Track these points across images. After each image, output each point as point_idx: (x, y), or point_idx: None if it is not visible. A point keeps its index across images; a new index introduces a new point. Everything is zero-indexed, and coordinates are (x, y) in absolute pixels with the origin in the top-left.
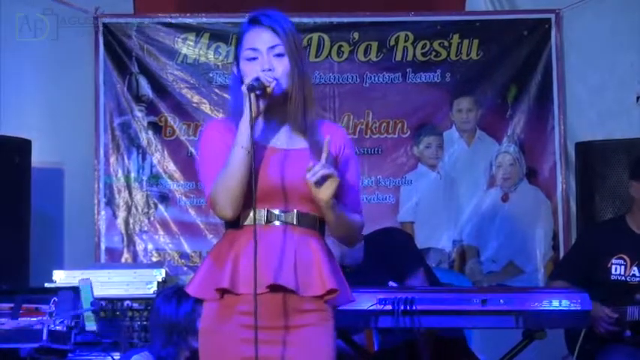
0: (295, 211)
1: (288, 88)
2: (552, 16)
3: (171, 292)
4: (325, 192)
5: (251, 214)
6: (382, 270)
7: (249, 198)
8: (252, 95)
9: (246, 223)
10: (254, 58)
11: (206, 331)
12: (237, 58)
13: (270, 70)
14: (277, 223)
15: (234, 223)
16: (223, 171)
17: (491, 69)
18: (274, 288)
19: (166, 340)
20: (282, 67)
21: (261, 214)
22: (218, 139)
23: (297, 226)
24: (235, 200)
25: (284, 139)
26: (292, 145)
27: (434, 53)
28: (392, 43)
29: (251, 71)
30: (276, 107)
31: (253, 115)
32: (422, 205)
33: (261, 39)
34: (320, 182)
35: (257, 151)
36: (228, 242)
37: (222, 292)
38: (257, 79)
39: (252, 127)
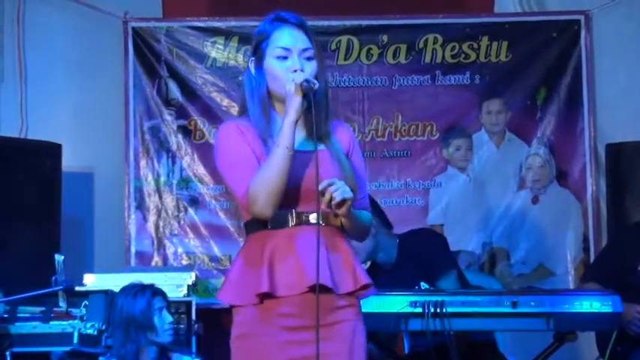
0: (321, 210)
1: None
2: (582, 18)
3: (129, 288)
4: (343, 210)
5: (279, 215)
6: (415, 270)
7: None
8: (300, 96)
9: (275, 225)
10: (284, 57)
11: (243, 336)
12: (258, 56)
13: (301, 71)
14: (307, 223)
15: (259, 227)
16: (265, 171)
17: (521, 71)
18: (313, 288)
19: (125, 338)
20: (312, 70)
21: (289, 216)
22: (243, 141)
23: (323, 225)
24: (278, 200)
25: (303, 140)
26: (312, 146)
27: (463, 55)
28: (421, 45)
29: (280, 70)
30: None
31: (298, 115)
32: (451, 208)
33: (294, 39)
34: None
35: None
36: (259, 248)
37: (261, 296)
38: (307, 81)
39: (293, 128)
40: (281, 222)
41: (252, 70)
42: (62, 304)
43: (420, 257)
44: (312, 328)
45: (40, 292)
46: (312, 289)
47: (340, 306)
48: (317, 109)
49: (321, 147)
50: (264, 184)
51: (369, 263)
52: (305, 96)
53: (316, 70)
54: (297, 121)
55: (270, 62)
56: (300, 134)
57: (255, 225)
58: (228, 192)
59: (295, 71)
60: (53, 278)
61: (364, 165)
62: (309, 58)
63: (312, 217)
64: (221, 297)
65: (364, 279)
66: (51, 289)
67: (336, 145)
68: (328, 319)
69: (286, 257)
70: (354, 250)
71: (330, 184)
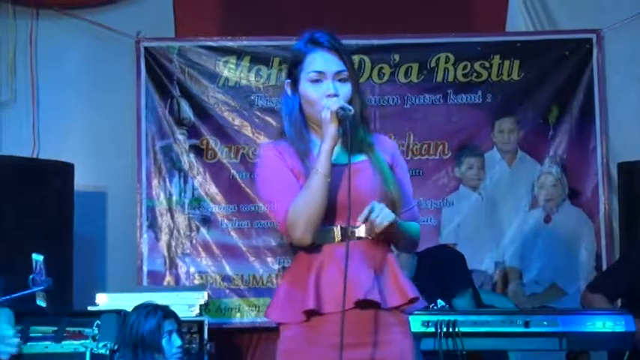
0: (365, 225)
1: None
2: (593, 36)
3: (142, 307)
4: (389, 232)
5: (324, 232)
6: (432, 287)
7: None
8: (335, 123)
9: (321, 243)
10: (318, 81)
11: (289, 352)
12: (293, 78)
13: (335, 95)
14: (350, 238)
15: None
16: (303, 198)
17: (533, 89)
18: (360, 304)
19: (133, 357)
20: (346, 92)
21: (334, 231)
22: (282, 165)
23: (369, 239)
24: (316, 226)
25: (343, 155)
26: (352, 159)
27: (475, 74)
28: (433, 64)
29: (314, 94)
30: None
31: (334, 142)
32: (464, 227)
33: (328, 63)
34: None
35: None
36: (305, 264)
37: (308, 314)
38: (342, 108)
39: (330, 154)
40: (326, 238)
41: (289, 93)
42: (41, 302)
43: (437, 274)
44: (359, 345)
45: (20, 293)
46: (358, 305)
47: (389, 323)
48: (353, 132)
49: (363, 158)
50: (302, 212)
51: None
52: (341, 122)
53: (351, 92)
54: (333, 148)
55: (305, 86)
56: (342, 150)
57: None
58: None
59: (329, 96)
60: (30, 277)
61: (408, 176)
62: (343, 80)
63: (358, 232)
64: (269, 315)
65: (412, 292)
66: (32, 290)
67: (379, 157)
68: (379, 338)
69: (332, 273)
70: (400, 264)
71: (370, 211)
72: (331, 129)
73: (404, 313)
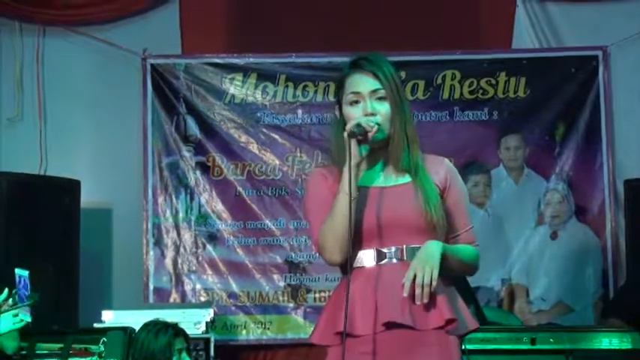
0: (404, 246)
1: (389, 131)
2: (599, 53)
3: (152, 324)
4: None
5: (359, 255)
6: None
7: (357, 240)
8: (354, 141)
9: (356, 265)
10: (356, 102)
11: None
12: (339, 102)
13: (372, 114)
14: (388, 261)
15: (348, 267)
16: (329, 218)
17: (539, 106)
18: (392, 326)
19: None
20: (383, 111)
21: (371, 254)
22: (323, 187)
23: (407, 260)
24: (343, 245)
25: (387, 177)
26: (394, 181)
27: (481, 91)
28: (439, 81)
29: (353, 115)
30: (380, 149)
31: (355, 160)
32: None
33: (363, 83)
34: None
35: (361, 193)
36: (343, 287)
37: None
38: (358, 125)
39: (352, 173)
40: (364, 261)
41: (337, 116)
42: (27, 317)
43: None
44: None
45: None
46: (388, 326)
47: (430, 343)
48: (379, 148)
49: (407, 180)
50: (328, 232)
51: None
52: (361, 141)
53: (389, 111)
54: (357, 165)
55: (346, 109)
56: (386, 172)
57: (345, 266)
58: None
59: (367, 115)
60: (13, 291)
61: (464, 198)
62: (380, 99)
63: (389, 254)
64: (312, 337)
65: (448, 313)
66: (18, 306)
67: (425, 177)
68: (412, 358)
69: (366, 296)
70: (447, 283)
71: (414, 274)
72: (351, 146)
73: (448, 334)
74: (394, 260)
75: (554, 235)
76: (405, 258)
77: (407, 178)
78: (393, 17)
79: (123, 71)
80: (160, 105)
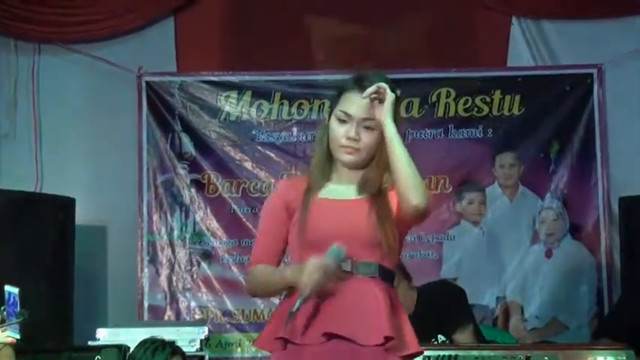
0: (353, 259)
1: (364, 159)
2: (594, 71)
3: (149, 342)
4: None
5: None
6: (433, 322)
7: (310, 249)
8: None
9: None
10: (344, 121)
11: None
12: (331, 111)
13: (354, 139)
14: (340, 271)
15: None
16: (264, 279)
17: (534, 124)
18: (332, 338)
19: None
20: (368, 140)
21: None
22: (280, 207)
23: (357, 274)
24: (265, 297)
25: (349, 192)
26: (352, 195)
27: (476, 109)
28: (434, 99)
29: (338, 132)
30: (353, 170)
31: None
32: (465, 262)
33: (358, 107)
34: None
35: (319, 202)
36: (292, 294)
37: (285, 342)
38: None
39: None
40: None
41: (326, 122)
42: (15, 334)
43: (438, 309)
44: None
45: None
46: (330, 338)
47: (363, 358)
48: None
49: (366, 197)
50: (259, 284)
51: None
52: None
53: (373, 141)
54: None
55: (333, 123)
56: (349, 188)
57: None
58: None
59: (349, 139)
60: (2, 308)
61: None
62: (368, 128)
63: (345, 267)
64: (256, 342)
65: (386, 331)
66: (8, 323)
67: (383, 200)
68: None
69: (311, 305)
70: (393, 302)
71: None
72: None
73: (387, 352)
74: (343, 272)
75: (548, 253)
76: (354, 271)
77: (366, 196)
78: (388, 35)
79: (118, 89)
80: (155, 122)
